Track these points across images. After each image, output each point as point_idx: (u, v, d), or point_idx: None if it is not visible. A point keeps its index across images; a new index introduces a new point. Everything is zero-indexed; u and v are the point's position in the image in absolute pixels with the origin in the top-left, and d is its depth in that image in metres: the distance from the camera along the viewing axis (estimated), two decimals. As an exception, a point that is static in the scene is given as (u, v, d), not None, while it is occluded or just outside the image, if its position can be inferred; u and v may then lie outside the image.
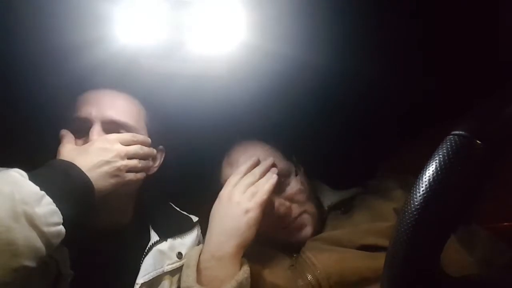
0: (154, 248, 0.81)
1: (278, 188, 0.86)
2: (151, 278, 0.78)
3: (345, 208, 0.93)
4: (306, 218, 0.88)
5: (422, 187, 0.39)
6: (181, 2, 0.71)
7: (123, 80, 0.86)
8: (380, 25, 0.81)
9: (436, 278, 0.40)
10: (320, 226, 0.90)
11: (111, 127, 0.80)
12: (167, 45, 0.77)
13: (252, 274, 0.76)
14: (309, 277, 0.78)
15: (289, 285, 0.79)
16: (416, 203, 0.39)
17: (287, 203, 0.86)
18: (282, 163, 0.90)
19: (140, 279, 0.77)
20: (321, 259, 0.80)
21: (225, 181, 0.85)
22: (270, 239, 0.89)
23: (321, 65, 0.83)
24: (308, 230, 0.87)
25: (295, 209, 0.87)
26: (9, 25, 0.76)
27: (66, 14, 0.72)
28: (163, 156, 0.90)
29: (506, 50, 0.80)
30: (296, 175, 0.91)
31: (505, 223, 0.80)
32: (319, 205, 0.94)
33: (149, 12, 0.72)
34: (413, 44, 0.86)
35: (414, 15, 0.80)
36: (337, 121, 1.03)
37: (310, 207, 0.89)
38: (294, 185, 0.89)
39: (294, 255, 0.86)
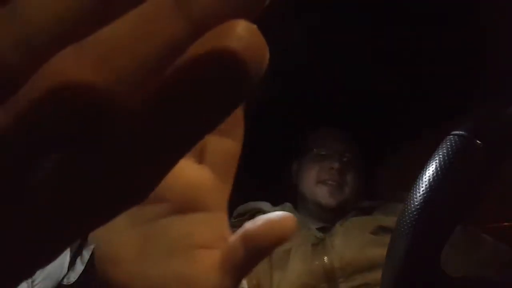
0: None
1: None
2: None
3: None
4: (340, 191, 0.97)
5: (422, 187, 0.39)
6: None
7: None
8: (379, 25, 0.81)
9: (436, 279, 0.40)
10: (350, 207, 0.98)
11: None
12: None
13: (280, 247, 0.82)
14: (325, 258, 0.85)
15: (307, 261, 0.86)
16: (416, 203, 0.39)
17: (338, 165, 0.96)
18: (353, 147, 1.01)
19: None
20: (339, 243, 0.87)
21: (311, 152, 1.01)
22: (306, 202, 1.00)
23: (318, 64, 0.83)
24: (333, 200, 0.96)
25: (341, 174, 0.97)
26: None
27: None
28: None
29: (507, 50, 0.80)
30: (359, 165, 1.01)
31: (505, 223, 0.80)
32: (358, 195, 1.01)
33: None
34: (413, 45, 0.86)
35: (412, 14, 0.80)
36: (334, 123, 1.03)
37: (353, 194, 0.98)
38: (351, 172, 0.99)
39: (320, 236, 0.93)
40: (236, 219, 0.99)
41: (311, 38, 0.87)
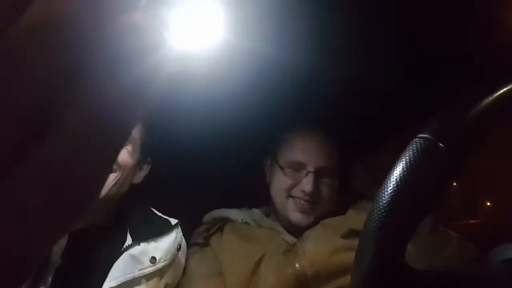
0: (125, 253, 0.81)
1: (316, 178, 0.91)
2: (120, 283, 0.77)
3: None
4: (313, 209, 0.92)
5: (390, 186, 0.41)
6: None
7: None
8: (360, 26, 0.83)
9: (401, 271, 0.43)
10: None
11: None
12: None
13: (253, 257, 0.84)
14: (297, 265, 0.83)
15: (279, 271, 0.84)
16: (384, 202, 0.41)
17: (311, 188, 0.90)
18: (332, 160, 0.95)
19: (107, 284, 0.76)
20: (310, 248, 0.85)
21: (284, 161, 0.93)
22: (277, 211, 0.95)
23: (298, 64, 0.84)
24: (304, 219, 0.92)
25: (314, 196, 0.91)
26: None
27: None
28: (149, 167, 0.91)
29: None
30: (337, 179, 0.95)
31: (472, 221, 0.84)
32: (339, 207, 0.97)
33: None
34: (391, 48, 0.88)
35: (390, 16, 0.83)
36: (314, 120, 1.05)
37: (327, 208, 0.94)
38: (327, 187, 0.93)
39: (291, 242, 0.90)
40: (204, 227, 0.95)
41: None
